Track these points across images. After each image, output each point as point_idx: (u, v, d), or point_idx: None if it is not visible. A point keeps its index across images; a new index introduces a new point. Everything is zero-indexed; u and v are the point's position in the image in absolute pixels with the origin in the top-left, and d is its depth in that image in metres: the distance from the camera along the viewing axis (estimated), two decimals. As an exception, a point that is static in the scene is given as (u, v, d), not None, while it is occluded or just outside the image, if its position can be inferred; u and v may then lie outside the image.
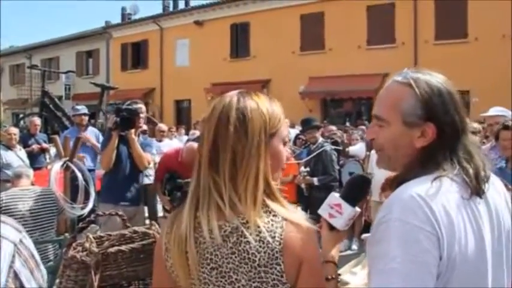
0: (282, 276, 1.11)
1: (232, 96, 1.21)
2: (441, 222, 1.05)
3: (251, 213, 1.12)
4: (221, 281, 1.15)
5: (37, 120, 8.59)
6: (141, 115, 4.34)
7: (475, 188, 1.13)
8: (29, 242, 0.94)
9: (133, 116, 4.17)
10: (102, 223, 3.94)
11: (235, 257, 1.13)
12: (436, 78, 1.20)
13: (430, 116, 1.15)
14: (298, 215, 1.18)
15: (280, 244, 1.11)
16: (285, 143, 1.24)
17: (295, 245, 1.11)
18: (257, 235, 1.11)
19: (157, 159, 7.29)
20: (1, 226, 0.91)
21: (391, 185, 1.19)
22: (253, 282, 1.12)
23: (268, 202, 1.15)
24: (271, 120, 1.18)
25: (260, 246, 1.11)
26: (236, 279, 1.13)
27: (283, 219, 1.13)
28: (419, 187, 1.09)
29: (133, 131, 4.21)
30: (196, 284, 1.17)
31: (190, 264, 1.16)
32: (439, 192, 1.08)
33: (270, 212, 1.14)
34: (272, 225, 1.12)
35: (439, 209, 1.06)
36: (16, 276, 0.88)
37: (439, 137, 1.15)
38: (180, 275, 1.18)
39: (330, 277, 1.26)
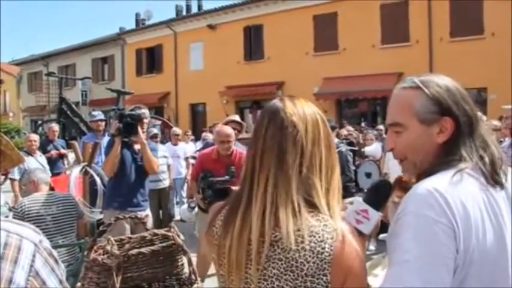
0: (327, 287, 1.11)
1: (319, 113, 1.25)
2: (457, 215, 1.05)
3: (303, 222, 1.12)
4: (263, 283, 1.15)
5: (55, 127, 8.75)
6: (145, 120, 4.31)
7: (491, 175, 1.14)
8: (47, 242, 1.01)
9: (136, 122, 4.13)
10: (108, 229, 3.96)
11: (282, 263, 1.13)
12: (441, 78, 1.24)
13: (444, 111, 1.18)
14: (347, 226, 1.17)
15: (330, 255, 1.10)
16: None
17: (344, 257, 1.11)
18: (308, 244, 1.11)
19: (171, 161, 7.38)
20: (21, 228, 0.98)
21: (416, 182, 1.19)
22: None
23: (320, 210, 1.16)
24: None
25: (310, 256, 1.11)
26: (278, 285, 1.13)
27: (334, 230, 1.13)
28: (435, 181, 1.10)
29: (143, 135, 4.19)
30: (238, 282, 1.18)
31: (238, 261, 1.17)
32: (455, 185, 1.09)
33: (320, 221, 1.14)
34: (323, 235, 1.12)
35: (455, 202, 1.06)
36: (37, 274, 0.94)
37: (458, 129, 1.17)
38: (225, 271, 1.21)
39: None
